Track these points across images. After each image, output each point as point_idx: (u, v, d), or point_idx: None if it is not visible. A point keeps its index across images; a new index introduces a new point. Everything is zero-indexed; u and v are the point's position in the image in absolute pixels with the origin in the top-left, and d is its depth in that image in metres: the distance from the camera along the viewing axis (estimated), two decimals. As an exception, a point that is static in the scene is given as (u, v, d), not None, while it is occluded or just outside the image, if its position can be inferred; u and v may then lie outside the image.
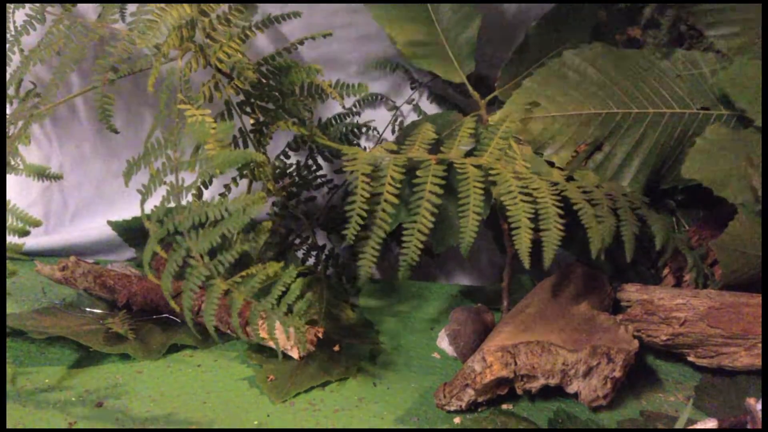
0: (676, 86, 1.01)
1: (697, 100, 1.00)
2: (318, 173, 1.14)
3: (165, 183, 0.84)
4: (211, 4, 0.94)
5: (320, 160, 1.14)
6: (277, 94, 1.00)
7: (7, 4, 1.03)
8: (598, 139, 1.00)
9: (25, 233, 0.88)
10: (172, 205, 0.83)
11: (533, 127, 1.00)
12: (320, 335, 0.92)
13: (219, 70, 0.95)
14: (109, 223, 1.19)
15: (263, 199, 0.77)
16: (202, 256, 0.79)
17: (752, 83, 0.97)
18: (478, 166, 0.94)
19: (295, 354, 0.93)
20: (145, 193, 0.85)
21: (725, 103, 1.00)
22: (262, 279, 0.81)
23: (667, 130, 1.00)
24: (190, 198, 0.84)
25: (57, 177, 0.96)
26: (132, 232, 1.19)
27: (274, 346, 0.88)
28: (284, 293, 0.83)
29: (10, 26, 1.03)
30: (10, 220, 0.88)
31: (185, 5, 0.91)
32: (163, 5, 0.89)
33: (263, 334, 0.89)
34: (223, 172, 0.78)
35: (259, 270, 0.81)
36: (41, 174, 0.95)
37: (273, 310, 0.83)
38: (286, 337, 0.91)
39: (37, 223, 0.88)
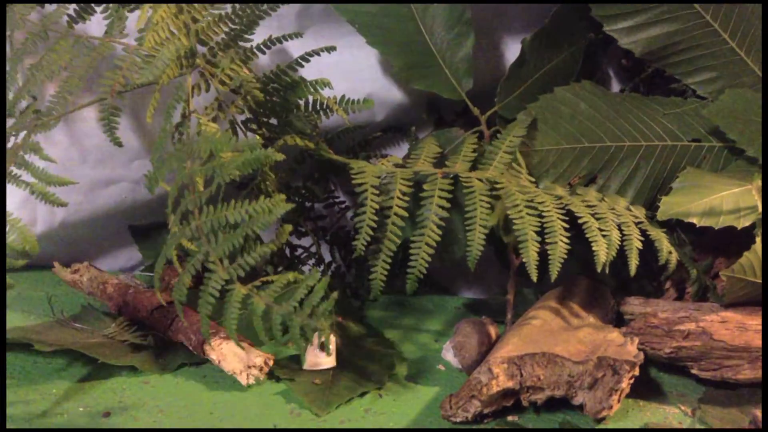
0: (665, 121, 1.04)
1: (687, 134, 1.04)
2: (328, 190, 1.15)
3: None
4: (209, 33, 0.95)
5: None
6: (282, 109, 1.01)
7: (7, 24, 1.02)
8: (592, 172, 1.04)
9: (25, 256, 0.89)
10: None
11: (530, 160, 1.03)
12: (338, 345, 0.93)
13: (224, 85, 0.96)
14: (131, 227, 1.22)
15: (284, 200, 0.77)
16: (221, 260, 0.79)
17: (741, 114, 1.00)
18: (484, 180, 0.95)
19: (331, 362, 0.95)
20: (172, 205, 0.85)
21: (716, 134, 1.03)
22: (282, 284, 0.80)
23: (660, 162, 1.03)
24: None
25: (62, 204, 0.95)
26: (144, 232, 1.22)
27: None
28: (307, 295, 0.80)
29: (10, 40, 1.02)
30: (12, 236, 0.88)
31: (182, 37, 0.92)
32: (161, 40, 0.90)
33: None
34: (243, 173, 0.78)
35: (278, 277, 0.80)
36: (47, 199, 0.94)
37: (296, 312, 0.79)
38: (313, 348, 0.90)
39: (33, 246, 0.89)
